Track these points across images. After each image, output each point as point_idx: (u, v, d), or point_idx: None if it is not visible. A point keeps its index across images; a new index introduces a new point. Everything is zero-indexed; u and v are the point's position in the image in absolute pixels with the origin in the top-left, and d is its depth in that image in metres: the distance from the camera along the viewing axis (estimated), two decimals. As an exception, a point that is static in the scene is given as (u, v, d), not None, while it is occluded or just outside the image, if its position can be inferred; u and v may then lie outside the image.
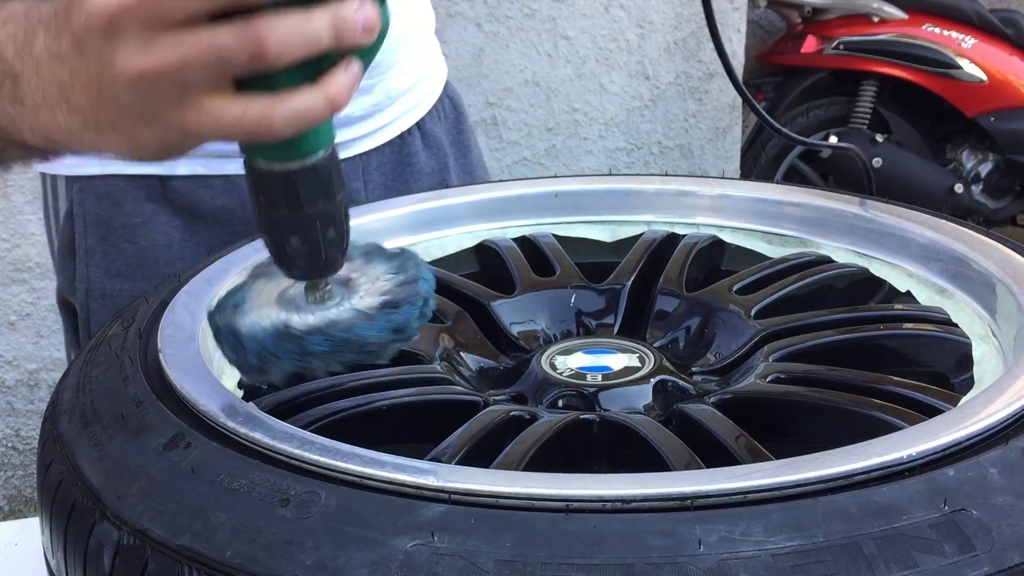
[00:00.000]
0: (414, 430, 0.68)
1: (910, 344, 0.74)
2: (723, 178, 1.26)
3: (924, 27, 3.52)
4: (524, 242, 0.94)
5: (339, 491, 0.49)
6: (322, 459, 0.52)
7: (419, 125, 1.06)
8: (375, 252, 0.65)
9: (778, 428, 0.66)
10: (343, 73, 0.53)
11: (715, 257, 0.93)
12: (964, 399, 0.62)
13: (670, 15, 2.76)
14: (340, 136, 0.65)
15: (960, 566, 0.44)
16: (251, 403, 0.64)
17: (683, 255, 0.89)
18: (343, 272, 0.61)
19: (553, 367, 0.76)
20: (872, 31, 3.53)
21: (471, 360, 0.80)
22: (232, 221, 0.98)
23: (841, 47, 3.54)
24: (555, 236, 0.95)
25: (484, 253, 0.94)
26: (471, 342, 0.82)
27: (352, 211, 0.93)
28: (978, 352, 0.71)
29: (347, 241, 0.60)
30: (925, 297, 0.79)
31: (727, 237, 0.92)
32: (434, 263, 0.92)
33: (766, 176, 3.62)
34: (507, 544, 0.45)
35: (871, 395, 0.65)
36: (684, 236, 0.93)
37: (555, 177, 1.01)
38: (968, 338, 0.72)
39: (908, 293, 0.81)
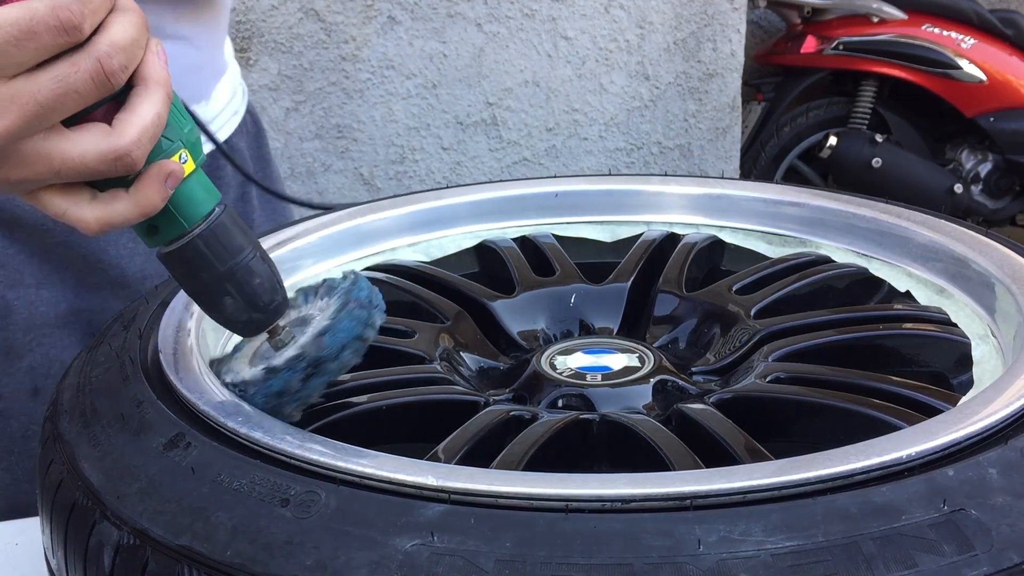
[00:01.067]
0: (414, 430, 0.68)
1: (910, 344, 0.74)
2: (723, 178, 1.26)
3: (924, 27, 3.52)
4: (524, 242, 0.95)
5: (339, 491, 0.50)
6: (322, 459, 0.52)
7: (228, 142, 1.08)
8: (328, 287, 0.68)
9: (778, 428, 0.67)
10: (154, 181, 0.58)
11: (715, 257, 0.93)
12: (963, 399, 0.62)
13: (670, 15, 2.76)
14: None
15: (959, 566, 0.44)
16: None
17: (683, 255, 0.89)
18: (304, 311, 0.65)
19: (553, 367, 0.76)
20: (872, 31, 3.54)
21: (471, 360, 0.80)
22: (54, 231, 0.95)
23: (841, 47, 3.54)
24: (555, 236, 0.96)
25: (484, 253, 0.94)
26: (471, 342, 0.82)
27: (353, 211, 0.94)
28: (977, 352, 0.71)
29: (277, 284, 0.63)
30: (925, 297, 0.79)
31: (727, 237, 0.92)
32: (434, 263, 0.92)
33: (766, 176, 3.62)
34: (507, 544, 0.45)
35: (871, 395, 0.65)
36: (684, 236, 0.93)
37: (555, 177, 1.01)
38: (967, 338, 0.72)
39: (908, 293, 0.81)
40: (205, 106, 1.02)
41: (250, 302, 0.62)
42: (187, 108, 0.62)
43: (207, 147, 0.82)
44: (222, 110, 1.06)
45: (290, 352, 0.63)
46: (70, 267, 0.97)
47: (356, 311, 0.65)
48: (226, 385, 0.63)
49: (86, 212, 0.58)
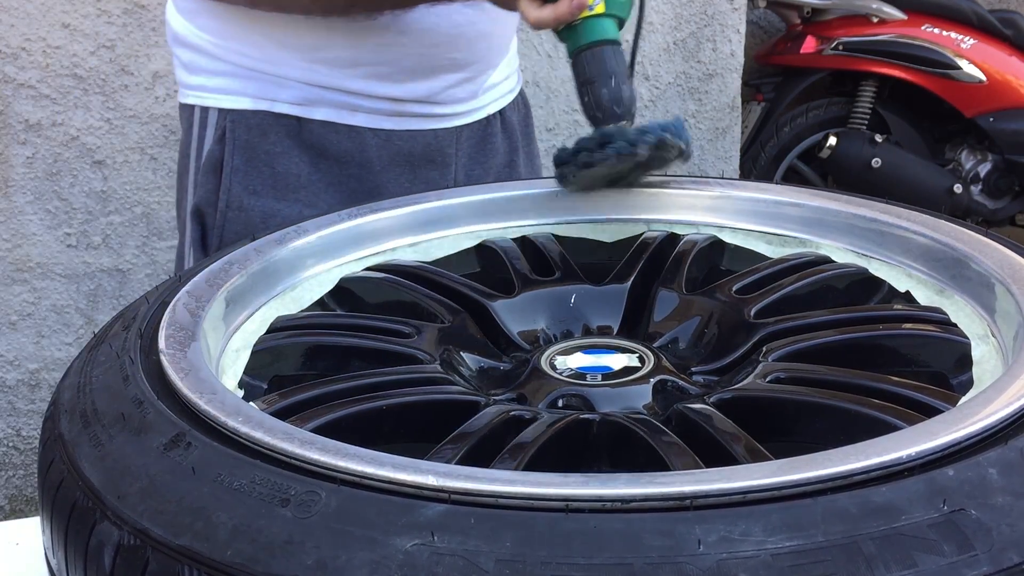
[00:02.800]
0: (414, 430, 0.68)
1: (910, 344, 0.74)
2: (723, 178, 1.26)
3: (923, 27, 3.52)
4: (524, 242, 0.95)
5: (339, 491, 0.50)
6: (322, 459, 0.52)
7: (501, 113, 1.31)
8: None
9: (777, 428, 0.67)
10: (566, 3, 0.97)
11: (715, 257, 0.93)
12: (963, 399, 0.62)
13: (670, 15, 2.76)
14: (446, 110, 1.23)
15: (959, 566, 0.44)
16: (252, 403, 0.64)
17: (683, 255, 0.89)
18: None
19: (553, 367, 0.76)
20: (871, 31, 3.53)
21: (471, 360, 0.80)
22: (350, 164, 1.19)
23: (840, 47, 3.54)
24: (555, 236, 0.96)
25: (484, 253, 0.94)
26: (471, 342, 0.82)
27: (354, 212, 0.94)
28: (977, 352, 0.71)
29: (621, 106, 0.98)
30: (924, 297, 0.79)
31: (727, 237, 0.92)
32: (435, 263, 0.92)
33: (766, 176, 3.62)
34: (507, 544, 0.45)
35: (871, 395, 0.65)
36: (684, 236, 0.93)
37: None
38: (967, 338, 0.72)
39: (908, 293, 0.81)
40: (491, 73, 1.27)
41: (599, 107, 0.98)
42: None
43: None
44: (502, 81, 1.30)
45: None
46: (355, 199, 1.15)
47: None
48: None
49: (531, 11, 0.98)
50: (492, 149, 1.30)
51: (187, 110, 1.23)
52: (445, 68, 1.19)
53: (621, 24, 0.98)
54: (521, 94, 1.37)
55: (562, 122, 2.74)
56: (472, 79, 1.23)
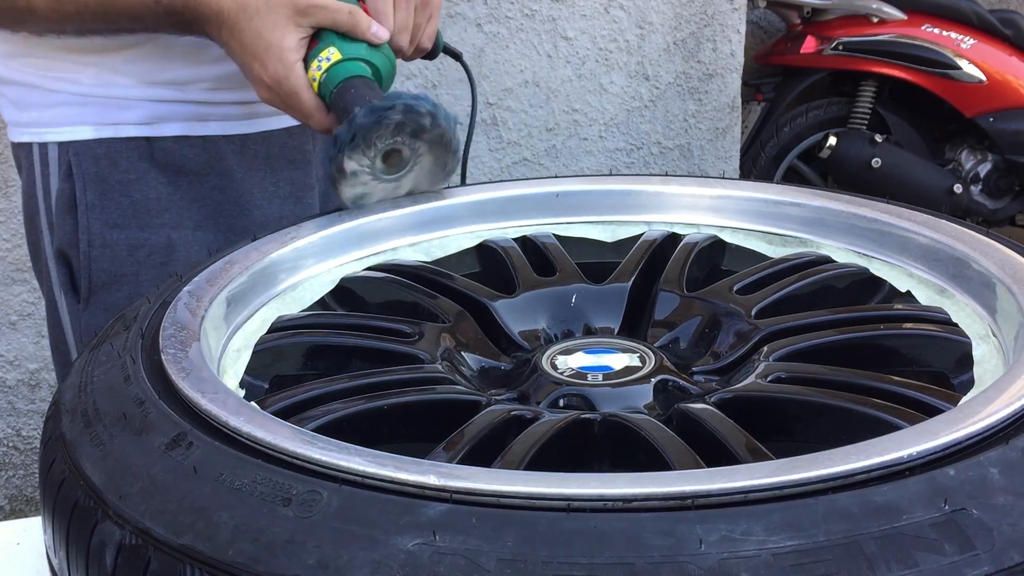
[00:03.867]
0: (416, 430, 0.68)
1: (910, 344, 0.74)
2: (723, 178, 1.26)
3: (923, 28, 3.52)
4: (525, 242, 0.95)
5: (341, 490, 0.50)
6: (324, 458, 0.52)
7: None
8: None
9: (778, 428, 0.67)
10: None
11: (715, 257, 0.93)
12: (964, 399, 0.62)
13: (670, 16, 2.76)
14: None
15: (960, 565, 0.44)
16: (253, 403, 0.64)
17: (683, 255, 0.89)
18: None
19: (554, 367, 0.76)
20: (871, 31, 3.54)
21: (472, 360, 0.80)
22: (209, 175, 1.15)
23: (840, 47, 3.54)
24: (555, 236, 0.96)
25: (485, 253, 0.94)
26: (472, 342, 0.82)
27: (356, 212, 0.94)
28: (978, 352, 0.71)
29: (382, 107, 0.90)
30: (925, 297, 0.80)
31: (727, 237, 0.92)
32: (435, 263, 0.92)
33: (766, 176, 3.62)
34: (508, 543, 0.45)
35: (871, 395, 0.65)
36: (684, 236, 0.93)
37: (555, 177, 1.01)
38: (968, 338, 0.72)
39: (908, 293, 0.81)
40: None
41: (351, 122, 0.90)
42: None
43: None
44: None
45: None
46: (221, 211, 1.15)
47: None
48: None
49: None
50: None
51: (23, 149, 1.16)
52: None
53: (374, 69, 0.98)
54: None
55: (562, 122, 2.74)
56: None
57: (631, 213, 0.97)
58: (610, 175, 1.02)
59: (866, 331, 0.75)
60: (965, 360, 0.71)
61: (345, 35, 0.96)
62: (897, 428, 0.59)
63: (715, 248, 0.92)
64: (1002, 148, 3.57)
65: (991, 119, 3.52)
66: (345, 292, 0.87)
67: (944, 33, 3.51)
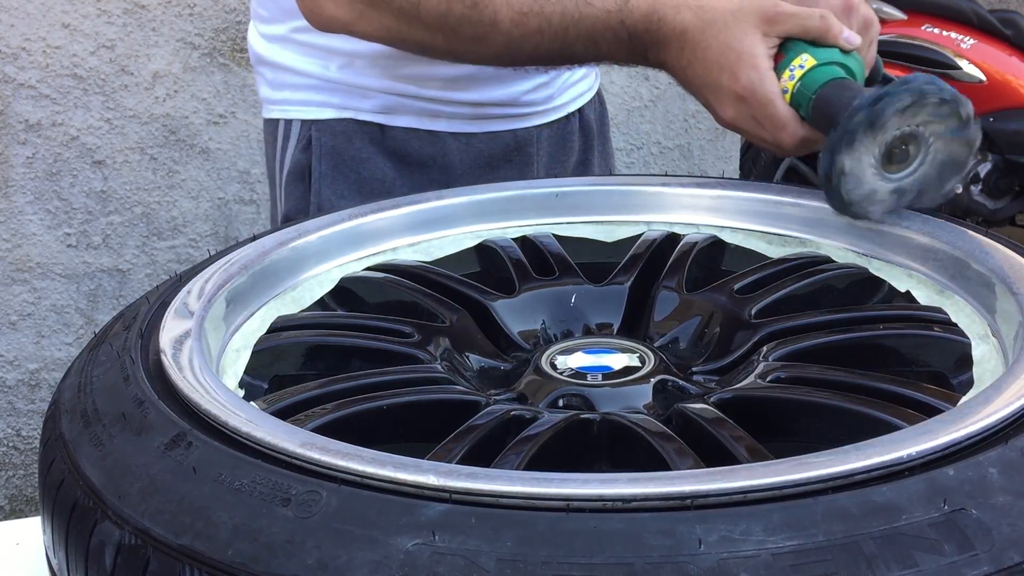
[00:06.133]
0: (415, 430, 0.68)
1: (909, 344, 0.74)
2: (723, 178, 1.26)
3: (923, 28, 3.52)
4: (524, 242, 0.95)
5: (340, 491, 0.50)
6: (323, 458, 0.52)
7: (580, 111, 1.33)
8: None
9: (778, 428, 0.67)
10: None
11: (715, 257, 0.93)
12: (964, 399, 0.62)
13: (670, 15, 2.76)
14: (526, 111, 1.24)
15: (960, 565, 0.44)
16: (252, 403, 0.64)
17: (683, 255, 0.89)
18: None
19: (553, 367, 0.76)
20: (872, 31, 3.53)
21: (472, 360, 0.80)
22: (432, 168, 1.22)
23: (840, 47, 3.53)
24: (555, 236, 0.96)
25: (485, 253, 0.94)
26: (472, 342, 0.82)
27: (355, 212, 0.94)
28: (978, 352, 0.71)
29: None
30: (925, 297, 0.80)
31: (727, 237, 0.92)
32: (435, 263, 0.92)
33: (766, 176, 3.62)
34: (508, 543, 0.45)
35: (871, 395, 0.65)
36: (684, 236, 0.93)
37: (555, 178, 1.02)
38: (968, 338, 0.72)
39: (908, 293, 0.81)
40: (571, 72, 1.29)
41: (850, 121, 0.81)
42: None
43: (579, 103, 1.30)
44: (581, 80, 1.31)
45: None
46: None
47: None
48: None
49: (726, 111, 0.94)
50: (570, 147, 1.32)
51: (271, 125, 1.26)
52: (525, 75, 1.20)
53: (849, 73, 0.91)
54: (598, 92, 1.39)
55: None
56: (551, 82, 1.26)
57: (631, 213, 0.97)
58: (609, 175, 1.02)
59: (866, 331, 0.75)
60: (965, 360, 0.71)
61: (814, 42, 0.91)
62: (897, 428, 0.59)
63: (715, 248, 0.92)
64: (1002, 148, 3.56)
65: (991, 119, 3.52)
66: (345, 292, 0.87)
67: (944, 33, 3.51)
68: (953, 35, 3.51)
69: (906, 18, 3.53)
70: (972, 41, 3.50)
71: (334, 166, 1.21)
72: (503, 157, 1.25)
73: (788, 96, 0.90)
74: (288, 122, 1.24)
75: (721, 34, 0.92)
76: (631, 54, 1.00)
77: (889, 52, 3.50)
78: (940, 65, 3.47)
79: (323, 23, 1.06)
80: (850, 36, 0.93)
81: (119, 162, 2.24)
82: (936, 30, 3.51)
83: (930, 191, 0.84)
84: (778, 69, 0.91)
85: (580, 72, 1.31)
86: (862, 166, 0.81)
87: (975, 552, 0.44)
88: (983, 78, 3.48)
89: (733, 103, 0.92)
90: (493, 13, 0.98)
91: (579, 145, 1.33)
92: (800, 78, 0.89)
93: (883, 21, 3.53)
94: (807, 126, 0.90)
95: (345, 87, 1.19)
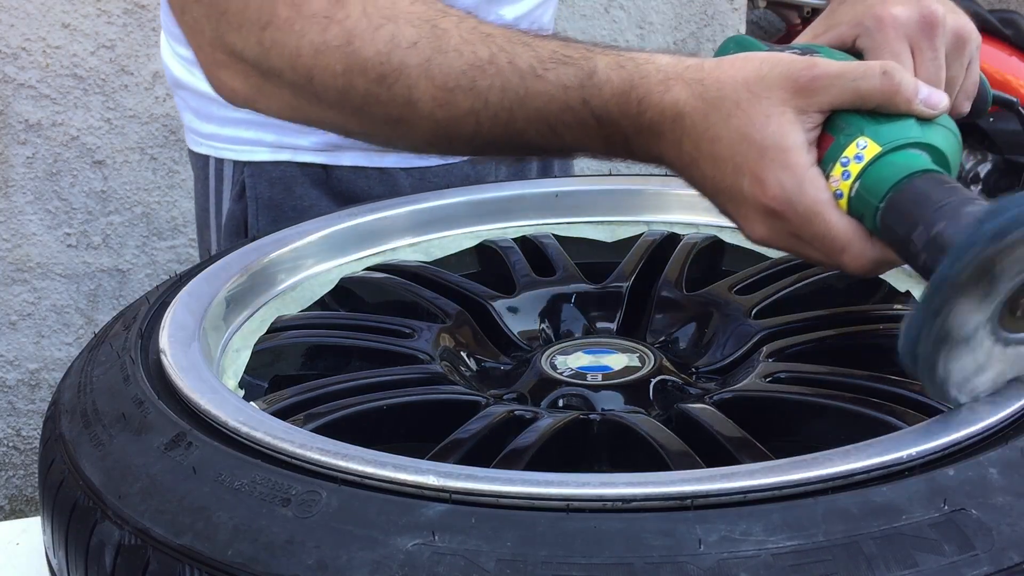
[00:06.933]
0: (415, 430, 0.68)
1: (910, 344, 0.74)
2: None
3: (924, 27, 3.52)
4: (524, 242, 0.95)
5: (340, 491, 0.50)
6: (323, 459, 0.52)
7: None
8: None
9: (778, 428, 0.67)
10: None
11: (715, 257, 0.93)
12: (964, 399, 0.62)
13: (670, 15, 2.76)
14: None
15: (960, 566, 0.44)
16: (252, 403, 0.64)
17: (683, 255, 0.89)
18: None
19: (553, 367, 0.76)
20: (872, 31, 3.53)
21: (471, 360, 0.80)
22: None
23: (841, 47, 3.54)
24: (555, 236, 0.96)
25: (485, 253, 0.94)
26: (472, 342, 0.82)
27: (355, 212, 0.94)
28: (978, 352, 0.71)
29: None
30: (925, 297, 0.79)
31: (727, 237, 0.92)
32: (435, 263, 0.92)
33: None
34: (508, 544, 0.45)
35: (871, 395, 0.65)
36: (684, 236, 0.93)
37: (555, 177, 1.02)
38: (968, 338, 0.72)
39: (908, 293, 0.81)
40: None
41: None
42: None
43: None
44: None
45: None
46: None
47: None
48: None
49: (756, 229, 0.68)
50: (527, 168, 1.22)
51: (199, 159, 1.14)
52: None
53: (934, 154, 0.64)
54: None
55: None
56: None
57: (631, 213, 0.97)
58: (610, 175, 1.02)
59: (865, 331, 0.75)
60: (965, 360, 0.71)
61: (876, 111, 0.63)
62: (896, 428, 0.59)
63: (715, 248, 0.92)
64: (1002, 148, 3.56)
65: (991, 119, 3.52)
66: (345, 292, 0.87)
67: (944, 33, 3.51)
68: (953, 35, 3.50)
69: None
70: (972, 41, 3.50)
71: (273, 220, 1.07)
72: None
73: (844, 202, 0.63)
74: (219, 161, 1.10)
75: (732, 118, 0.64)
76: (609, 146, 0.72)
77: (889, 52, 3.50)
78: (940, 65, 3.47)
79: (227, 96, 0.82)
80: (931, 96, 0.64)
81: (119, 162, 2.24)
82: (936, 30, 3.51)
83: None
84: (824, 162, 0.64)
85: None
86: (972, 329, 0.53)
87: (975, 552, 0.44)
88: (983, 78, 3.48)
89: (763, 218, 0.65)
90: (406, 90, 0.71)
91: (536, 165, 1.22)
92: (858, 175, 0.62)
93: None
94: (880, 244, 0.63)
95: (279, 122, 0.93)
